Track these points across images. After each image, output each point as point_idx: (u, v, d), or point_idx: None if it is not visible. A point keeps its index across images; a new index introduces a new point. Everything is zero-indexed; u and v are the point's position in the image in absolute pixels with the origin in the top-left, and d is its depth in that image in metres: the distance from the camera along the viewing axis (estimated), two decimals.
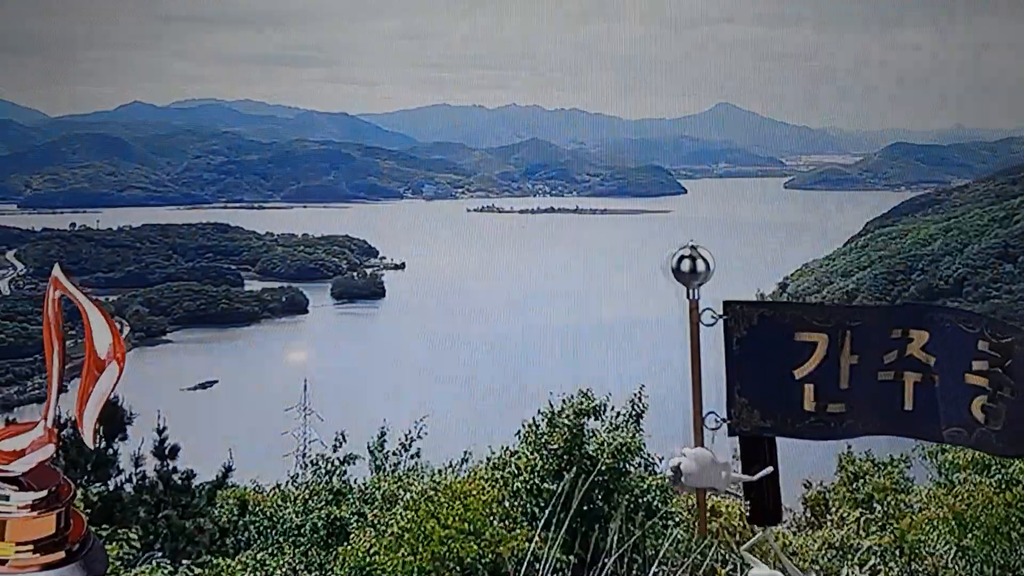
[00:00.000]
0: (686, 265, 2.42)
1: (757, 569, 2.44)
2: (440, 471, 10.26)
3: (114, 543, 7.36)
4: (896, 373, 2.38)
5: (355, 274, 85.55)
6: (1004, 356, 2.32)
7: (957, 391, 2.36)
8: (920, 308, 2.45)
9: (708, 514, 6.93)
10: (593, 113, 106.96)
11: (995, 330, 2.34)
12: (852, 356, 2.36)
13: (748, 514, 2.55)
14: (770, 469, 2.45)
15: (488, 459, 9.12)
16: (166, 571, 7.08)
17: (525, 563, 5.85)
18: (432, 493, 7.74)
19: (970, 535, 5.89)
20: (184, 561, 7.81)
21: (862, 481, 9.16)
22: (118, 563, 7.09)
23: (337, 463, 10.70)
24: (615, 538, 5.23)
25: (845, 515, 7.90)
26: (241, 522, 10.02)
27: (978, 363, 2.34)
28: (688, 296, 2.44)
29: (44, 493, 1.68)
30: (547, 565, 4.96)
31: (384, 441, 11.81)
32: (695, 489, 2.59)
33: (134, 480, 9.96)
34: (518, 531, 7.47)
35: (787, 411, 2.39)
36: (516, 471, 8.32)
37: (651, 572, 5.21)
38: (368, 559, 7.50)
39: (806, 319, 2.38)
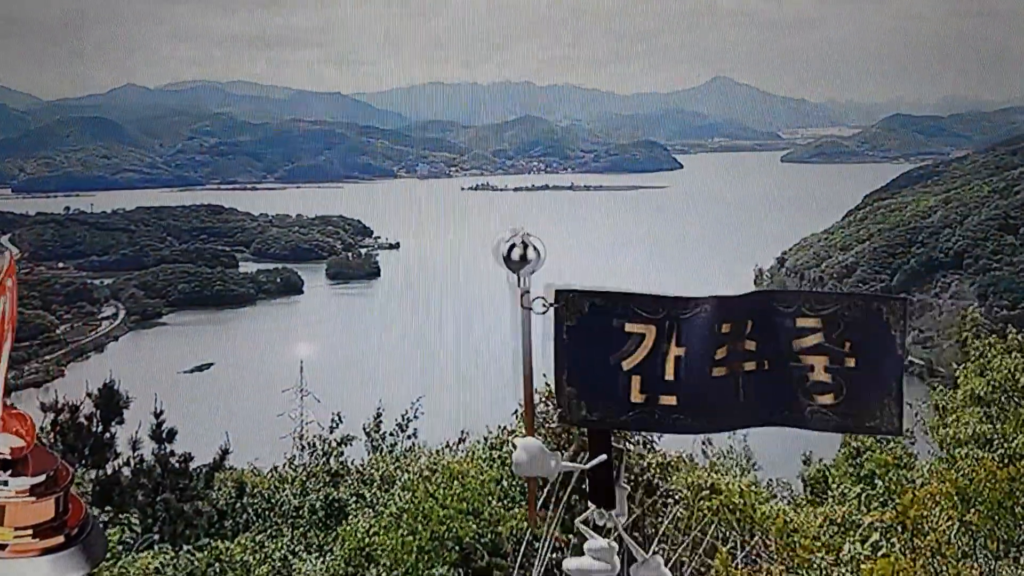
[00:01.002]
0: (516, 253, 2.41)
1: (591, 541, 2.45)
2: (438, 451, 10.33)
3: (115, 527, 7.42)
4: (727, 366, 2.34)
5: (350, 254, 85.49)
6: (831, 327, 2.31)
7: (787, 374, 2.34)
8: (747, 297, 2.40)
9: (708, 492, 7.25)
10: (587, 88, 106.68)
11: (814, 303, 2.33)
12: (679, 348, 2.33)
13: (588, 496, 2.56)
14: (603, 457, 2.43)
15: (485, 439, 9.11)
16: (167, 555, 7.11)
17: (524, 542, 5.91)
18: (429, 473, 7.83)
19: (973, 510, 5.84)
20: (185, 546, 7.87)
21: (864, 457, 9.15)
22: (120, 547, 7.14)
23: (334, 444, 10.74)
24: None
25: (846, 491, 7.91)
26: (239, 504, 10.06)
27: (803, 341, 2.33)
28: (518, 284, 2.42)
29: (42, 478, 1.69)
30: (546, 544, 4.88)
31: (380, 422, 11.82)
32: (527, 478, 2.60)
33: (132, 464, 10.02)
34: (516, 510, 7.53)
35: (614, 402, 2.36)
36: (514, 449, 8.04)
37: (651, 550, 4.66)
38: (367, 539, 7.56)
39: (636, 310, 2.35)
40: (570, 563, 2.46)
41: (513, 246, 2.42)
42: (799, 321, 2.33)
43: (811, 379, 2.34)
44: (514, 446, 2.56)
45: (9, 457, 1.66)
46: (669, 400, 2.33)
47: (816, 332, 2.33)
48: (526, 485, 6.82)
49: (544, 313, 2.39)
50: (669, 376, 2.33)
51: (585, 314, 2.38)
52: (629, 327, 2.35)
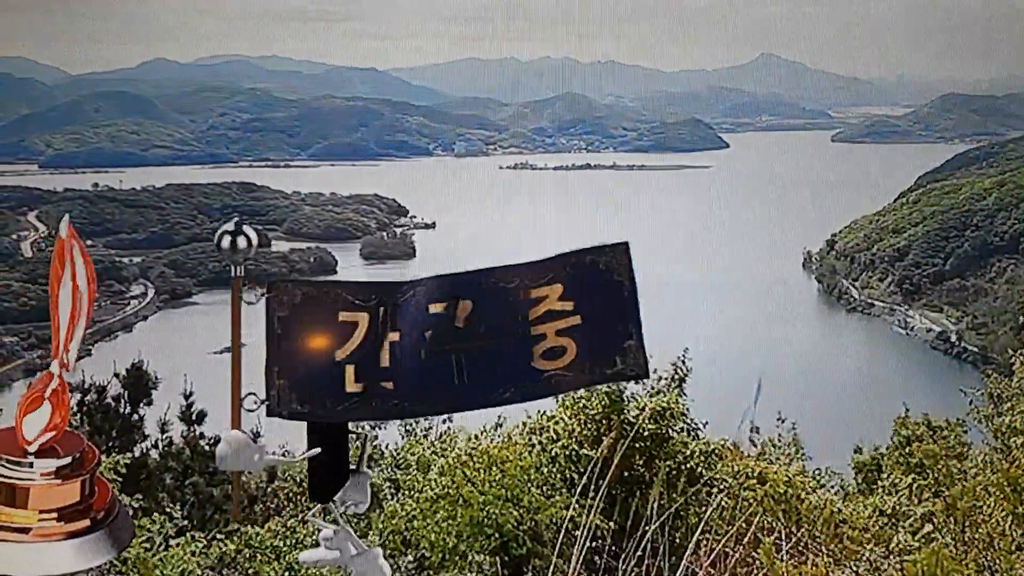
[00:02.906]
0: (226, 242, 2.37)
1: (326, 531, 2.46)
2: (476, 436, 10.05)
3: (158, 515, 7.36)
4: (444, 348, 2.31)
5: (385, 234, 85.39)
6: (556, 292, 2.32)
7: (517, 349, 2.32)
8: (461, 276, 2.37)
9: (754, 482, 7.28)
10: (630, 65, 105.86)
11: (536, 273, 2.33)
12: (393, 334, 2.32)
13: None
14: (317, 450, 2.38)
15: (524, 424, 9.06)
16: (200, 544, 7.03)
17: (563, 530, 5.75)
18: (467, 458, 7.82)
19: None
20: (218, 534, 7.65)
21: (915, 446, 9.01)
22: (159, 538, 7.08)
23: (367, 428, 9.15)
24: (656, 505, 4.96)
25: (896, 481, 7.81)
26: (270, 489, 10.01)
27: (532, 312, 2.32)
28: (233, 273, 2.39)
29: (68, 460, 1.68)
30: (586, 532, 4.64)
31: None
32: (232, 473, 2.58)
33: (160, 446, 10.08)
34: (556, 498, 7.61)
35: (327, 393, 2.34)
36: (554, 436, 8.32)
37: (694, 540, 4.96)
38: (404, 524, 7.58)
39: (348, 298, 2.35)
40: (304, 555, 2.49)
41: (224, 234, 2.36)
42: (523, 294, 2.33)
43: (544, 347, 2.32)
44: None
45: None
46: (387, 386, 2.33)
47: (542, 301, 2.33)
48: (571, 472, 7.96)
49: (255, 304, 2.40)
50: (384, 363, 2.32)
51: (297, 304, 2.37)
52: (342, 316, 2.33)
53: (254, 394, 2.36)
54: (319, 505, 2.51)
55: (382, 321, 2.32)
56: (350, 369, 2.31)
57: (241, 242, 2.37)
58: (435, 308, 2.32)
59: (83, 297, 1.78)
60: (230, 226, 2.40)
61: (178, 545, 6.94)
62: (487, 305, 2.33)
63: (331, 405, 2.33)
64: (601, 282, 2.36)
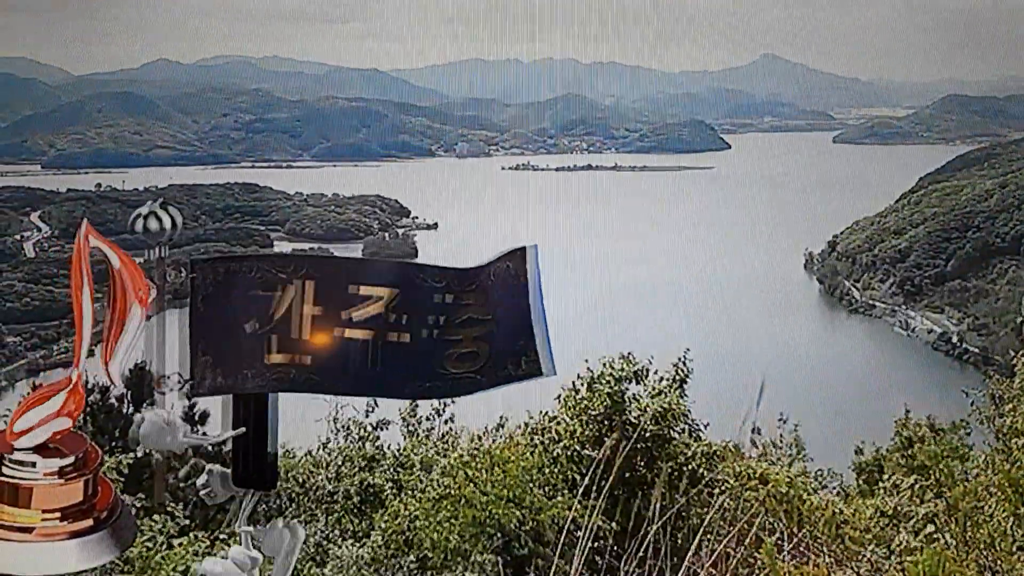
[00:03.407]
0: (139, 225, 2.37)
1: (241, 556, 2.40)
2: (479, 436, 10.37)
3: (159, 516, 7.44)
4: (364, 330, 2.35)
5: (387, 234, 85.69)
6: (473, 297, 2.36)
7: (432, 349, 2.37)
8: (391, 265, 2.45)
9: (755, 482, 7.22)
10: (632, 66, 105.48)
11: (461, 279, 2.37)
12: (315, 307, 2.34)
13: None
14: (242, 430, 2.40)
15: (526, 424, 9.20)
16: (203, 544, 7.09)
17: (564, 530, 5.87)
18: (470, 459, 7.88)
19: None
20: (220, 534, 7.70)
21: (917, 447, 8.89)
22: (161, 537, 7.15)
23: (370, 428, 10.69)
24: (658, 506, 5.06)
25: (898, 482, 7.74)
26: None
27: (452, 315, 2.36)
28: (155, 255, 2.39)
29: (71, 459, 1.68)
30: (588, 533, 4.76)
31: (416, 406, 11.64)
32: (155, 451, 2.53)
33: None
34: (559, 498, 7.67)
35: (248, 367, 2.36)
36: (556, 437, 8.40)
37: (696, 541, 5.12)
38: (407, 524, 7.63)
39: (271, 272, 2.36)
40: (207, 563, 2.37)
41: (139, 217, 2.36)
42: (447, 297, 2.36)
43: (459, 351, 2.36)
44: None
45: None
46: (305, 360, 2.35)
47: (465, 307, 2.36)
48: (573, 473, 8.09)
49: (180, 283, 2.39)
50: (306, 336, 2.34)
51: (220, 281, 2.37)
52: (264, 289, 2.34)
53: (179, 373, 2.35)
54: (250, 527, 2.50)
55: (303, 294, 2.34)
56: (272, 341, 2.33)
57: (153, 224, 2.36)
58: (363, 290, 2.34)
59: (129, 303, 1.79)
60: (145, 209, 2.38)
61: (180, 545, 6.98)
62: (412, 299, 2.35)
63: (252, 377, 2.35)
64: (512, 285, 2.39)
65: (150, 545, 6.90)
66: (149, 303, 1.85)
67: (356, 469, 9.77)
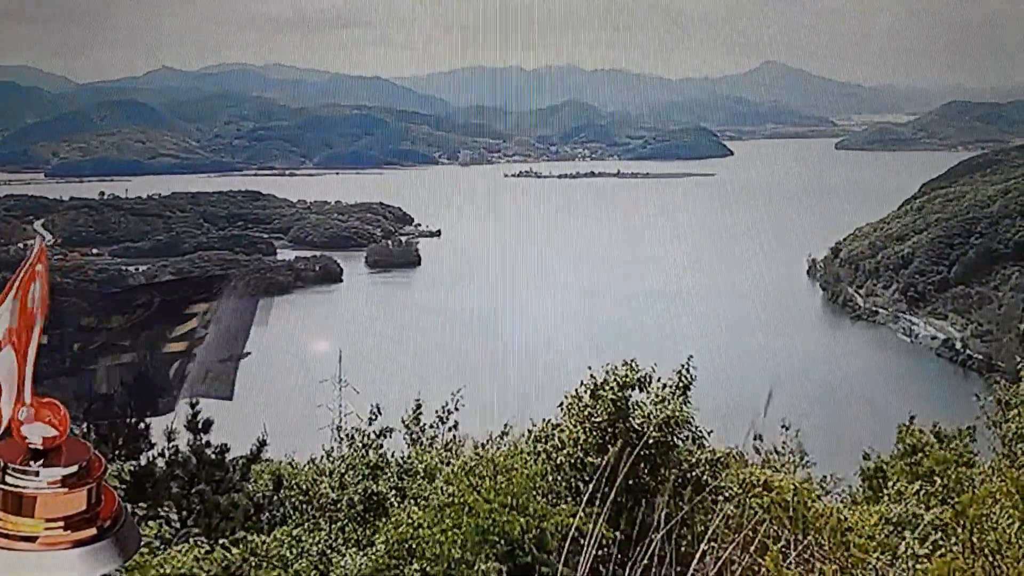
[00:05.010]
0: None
1: None
2: (483, 444, 10.37)
3: (153, 522, 7.36)
4: (96, 356, 2.25)
5: (390, 242, 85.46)
6: (201, 314, 2.29)
7: (159, 369, 2.29)
8: (141, 287, 2.56)
9: (760, 489, 7.13)
10: (634, 73, 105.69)
11: (195, 290, 2.32)
12: (43, 336, 2.05)
13: None
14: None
15: (530, 431, 9.06)
16: (202, 550, 7.02)
17: (568, 538, 5.76)
18: (473, 467, 7.81)
19: None
20: (221, 540, 7.67)
21: (922, 454, 9.00)
22: (157, 542, 7.10)
23: (373, 437, 10.62)
24: (662, 513, 5.06)
25: (903, 489, 7.75)
26: (276, 497, 10.03)
27: (180, 329, 2.29)
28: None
29: (75, 468, 1.66)
30: (592, 541, 4.68)
31: (420, 414, 11.76)
32: None
33: (167, 455, 10.03)
34: (562, 506, 7.63)
35: None
36: (559, 444, 8.32)
37: (700, 548, 4.98)
38: (411, 532, 7.53)
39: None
40: None
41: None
42: (173, 315, 2.29)
43: (186, 370, 2.29)
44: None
45: (41, 447, 1.64)
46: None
47: (192, 317, 2.29)
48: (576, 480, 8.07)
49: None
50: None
51: None
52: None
53: None
54: None
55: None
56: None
57: None
58: (88, 321, 2.27)
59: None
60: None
61: (180, 551, 6.98)
62: (145, 323, 2.29)
63: None
64: (235, 304, 2.37)
65: (145, 550, 6.83)
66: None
67: (360, 477, 9.69)
